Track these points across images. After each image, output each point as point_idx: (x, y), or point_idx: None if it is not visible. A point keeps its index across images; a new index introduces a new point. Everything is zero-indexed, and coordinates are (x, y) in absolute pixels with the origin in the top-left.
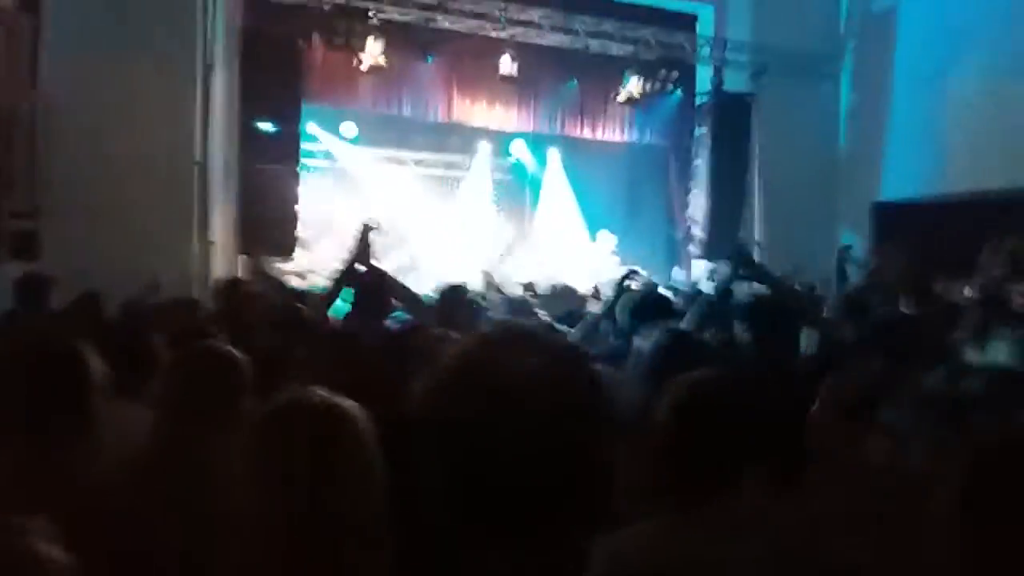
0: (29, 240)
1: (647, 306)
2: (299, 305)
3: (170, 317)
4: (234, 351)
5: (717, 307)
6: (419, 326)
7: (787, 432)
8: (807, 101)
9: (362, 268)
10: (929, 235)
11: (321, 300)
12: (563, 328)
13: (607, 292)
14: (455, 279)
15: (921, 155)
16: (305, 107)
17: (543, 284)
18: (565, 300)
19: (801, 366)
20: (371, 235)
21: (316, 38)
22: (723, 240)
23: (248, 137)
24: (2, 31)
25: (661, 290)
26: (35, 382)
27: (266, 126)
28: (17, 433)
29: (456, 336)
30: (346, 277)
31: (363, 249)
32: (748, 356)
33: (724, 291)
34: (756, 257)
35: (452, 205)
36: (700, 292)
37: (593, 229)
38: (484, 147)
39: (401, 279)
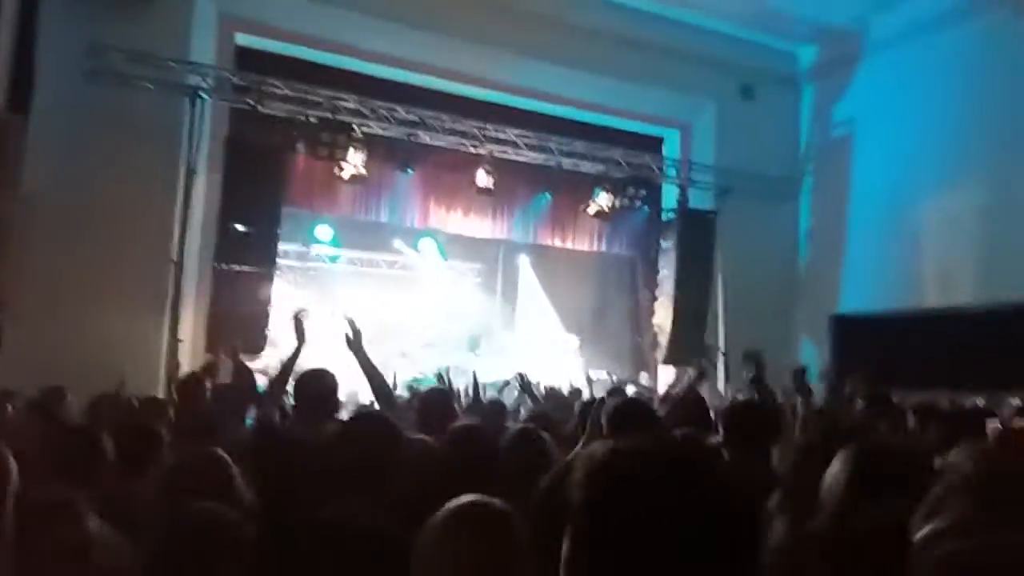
0: None
1: (628, 414)
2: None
3: (126, 415)
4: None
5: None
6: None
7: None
8: (768, 219)
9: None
10: (884, 346)
11: (273, 397)
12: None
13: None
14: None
15: (877, 271)
16: (284, 211)
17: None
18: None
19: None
20: (303, 321)
21: (300, 148)
22: (687, 347)
23: (225, 238)
24: None
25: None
26: None
27: (244, 229)
28: None
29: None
30: (287, 370)
31: (301, 339)
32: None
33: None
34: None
35: (421, 303)
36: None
37: (561, 331)
38: (455, 251)
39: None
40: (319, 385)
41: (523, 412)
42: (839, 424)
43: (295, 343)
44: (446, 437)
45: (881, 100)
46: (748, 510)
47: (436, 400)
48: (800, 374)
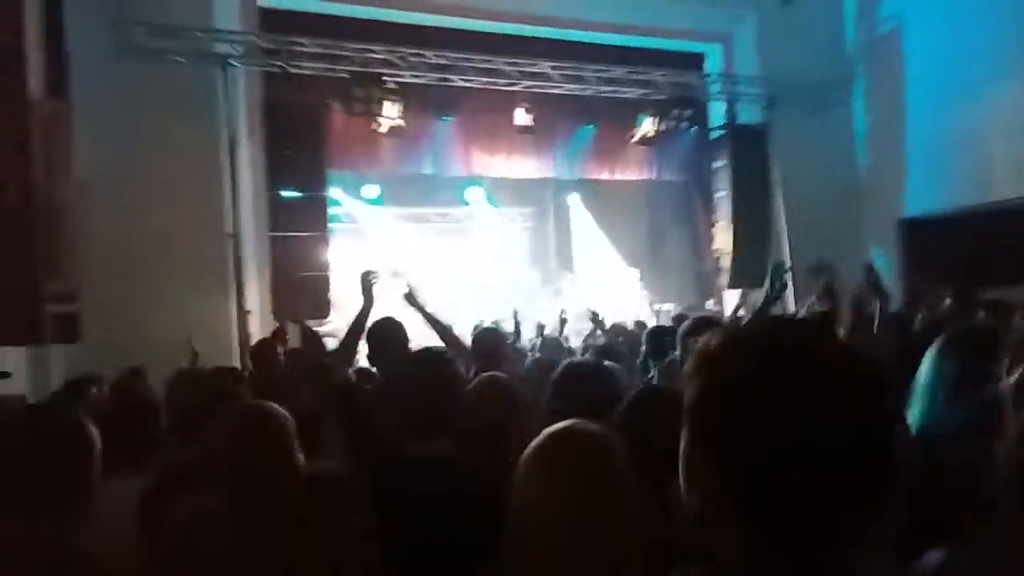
0: (70, 323)
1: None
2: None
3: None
4: (277, 408)
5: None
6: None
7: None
8: (822, 126)
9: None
10: (956, 246)
11: (345, 357)
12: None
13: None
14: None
15: (942, 169)
16: (329, 173)
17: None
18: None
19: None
20: (372, 283)
21: (335, 105)
22: (751, 269)
23: (277, 206)
24: (39, 121)
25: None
26: (37, 454)
27: (293, 194)
28: (16, 505)
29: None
30: (358, 330)
31: (370, 300)
32: None
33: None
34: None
35: (473, 253)
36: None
37: (622, 266)
38: (505, 196)
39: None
40: (389, 328)
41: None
42: None
43: (363, 303)
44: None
45: None
46: (878, 391)
47: (489, 339)
48: (870, 270)
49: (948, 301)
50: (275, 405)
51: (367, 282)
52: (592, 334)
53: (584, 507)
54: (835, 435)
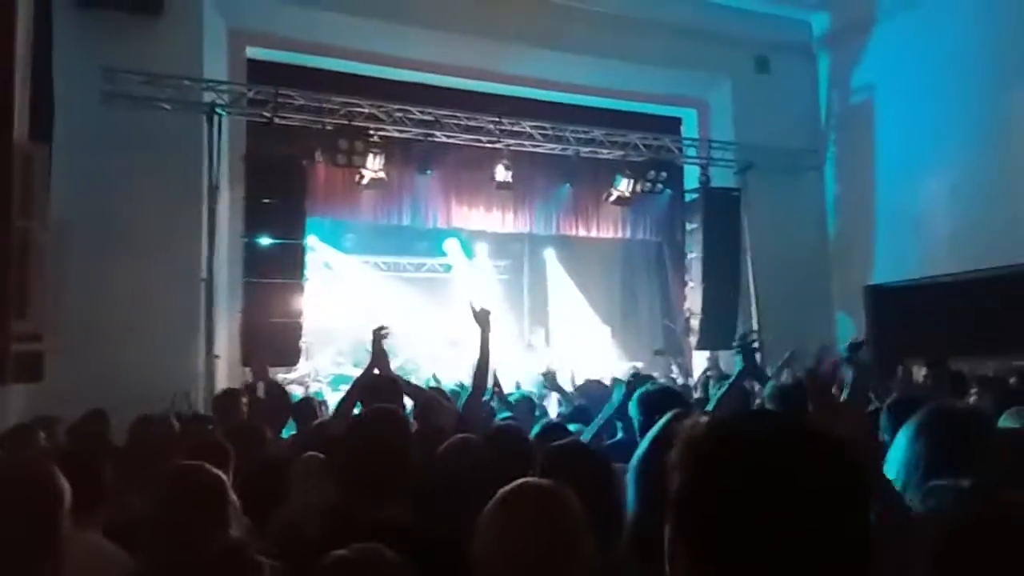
0: (34, 362)
1: (658, 400)
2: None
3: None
4: (218, 473)
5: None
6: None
7: None
8: (793, 192)
9: (375, 373)
10: (922, 315)
11: (344, 408)
12: (577, 427)
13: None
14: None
15: (910, 238)
16: (308, 221)
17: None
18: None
19: None
20: (383, 341)
21: (318, 156)
22: (720, 330)
23: (253, 252)
24: (19, 162)
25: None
26: (7, 505)
27: (271, 241)
28: None
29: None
30: (363, 384)
31: (378, 355)
32: None
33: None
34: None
35: (448, 304)
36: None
37: (593, 323)
38: (482, 249)
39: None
40: (382, 387)
41: (554, 407)
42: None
43: (369, 360)
44: (483, 436)
45: (900, 63)
46: (860, 475)
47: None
48: (854, 347)
49: (923, 372)
50: (209, 468)
51: (378, 337)
52: (546, 395)
53: (541, 560)
54: (819, 535)
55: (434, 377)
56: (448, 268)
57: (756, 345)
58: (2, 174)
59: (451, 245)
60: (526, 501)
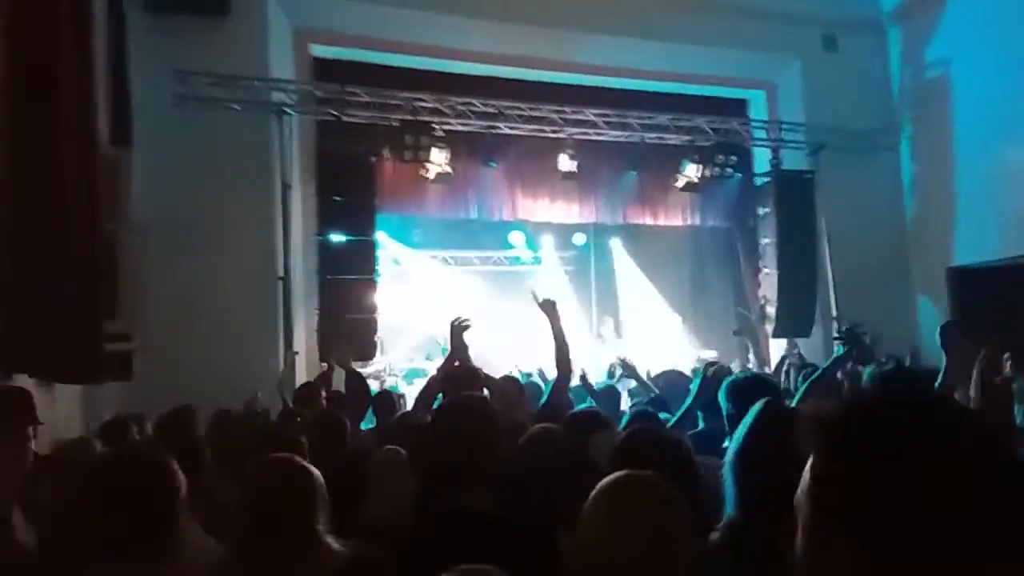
0: (124, 361)
1: (750, 389)
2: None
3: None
4: (307, 466)
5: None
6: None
7: None
8: (869, 173)
9: (455, 364)
10: (1006, 297)
11: (425, 398)
12: (664, 415)
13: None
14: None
15: (991, 218)
16: (377, 217)
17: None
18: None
19: None
20: (462, 332)
21: (385, 152)
22: (798, 317)
23: (326, 250)
24: (104, 167)
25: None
26: (126, 497)
27: (343, 238)
28: (105, 550)
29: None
30: (444, 374)
31: (458, 347)
32: None
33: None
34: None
35: (515, 297)
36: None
37: (663, 313)
38: (548, 241)
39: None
40: (464, 376)
41: (627, 397)
42: None
43: (450, 351)
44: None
45: (975, 36)
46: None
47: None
48: (944, 329)
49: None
50: (299, 460)
51: (457, 329)
52: (629, 381)
53: (650, 553)
54: (988, 506)
55: (517, 368)
56: (516, 260)
57: (866, 335)
58: (89, 178)
59: (516, 238)
60: (635, 493)
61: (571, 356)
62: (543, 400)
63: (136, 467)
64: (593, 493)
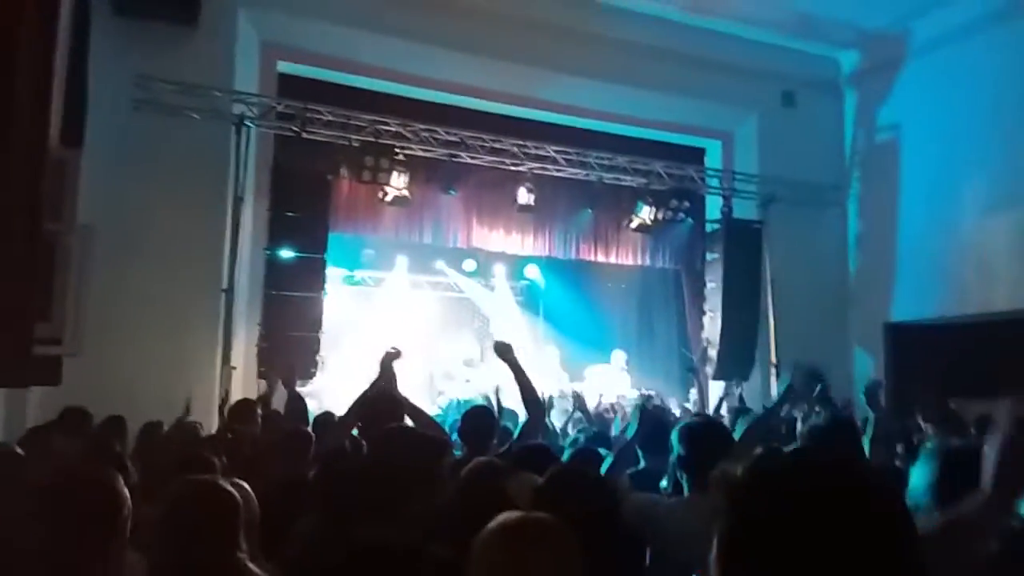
0: (53, 365)
1: (702, 434)
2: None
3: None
4: (231, 489)
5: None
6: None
7: None
8: (816, 227)
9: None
10: (940, 354)
11: (343, 426)
12: (603, 451)
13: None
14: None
15: (930, 278)
16: (329, 236)
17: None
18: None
19: None
20: (393, 363)
21: (344, 172)
22: (738, 360)
23: (274, 264)
24: (51, 166)
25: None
26: (70, 510)
27: (293, 254)
28: (41, 561)
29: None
30: (364, 403)
31: (387, 377)
32: None
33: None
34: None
35: (466, 322)
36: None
37: (607, 348)
38: (500, 270)
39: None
40: (386, 402)
41: (571, 429)
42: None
43: (376, 378)
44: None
45: (927, 104)
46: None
47: (482, 421)
48: (873, 388)
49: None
50: (223, 484)
51: (387, 360)
52: (571, 416)
53: None
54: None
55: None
56: (473, 274)
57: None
58: (35, 177)
59: (469, 265)
60: (530, 536)
61: (535, 396)
62: (515, 437)
63: (84, 480)
64: (484, 532)
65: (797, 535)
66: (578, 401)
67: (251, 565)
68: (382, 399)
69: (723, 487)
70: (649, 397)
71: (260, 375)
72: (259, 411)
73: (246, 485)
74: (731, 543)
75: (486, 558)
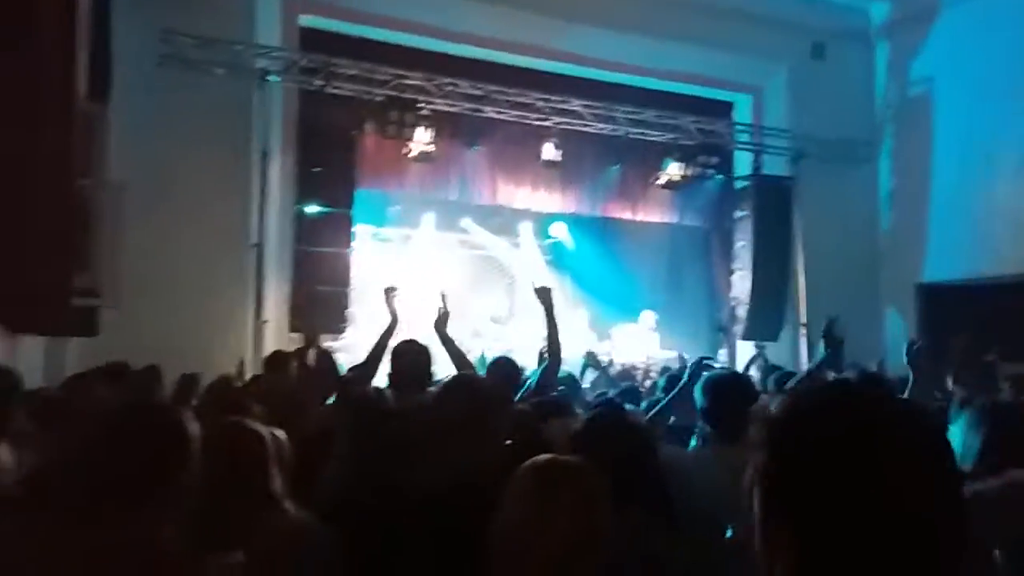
0: (90, 317)
1: (727, 387)
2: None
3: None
4: (260, 430)
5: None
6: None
7: None
8: (846, 184)
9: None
10: (973, 315)
11: (361, 373)
12: (630, 407)
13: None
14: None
15: (963, 237)
16: (356, 191)
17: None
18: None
19: None
20: (394, 299)
21: (368, 127)
22: (767, 320)
23: (302, 220)
24: (81, 122)
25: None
26: (139, 449)
27: (320, 210)
28: (109, 499)
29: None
30: (381, 349)
31: (392, 314)
32: None
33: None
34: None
35: (493, 279)
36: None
37: (636, 308)
38: (526, 228)
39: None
40: (414, 351)
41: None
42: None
43: (387, 320)
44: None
45: (960, 56)
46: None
47: (505, 370)
48: (917, 349)
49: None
50: (255, 426)
51: (389, 297)
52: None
53: (572, 541)
54: (919, 500)
55: (483, 356)
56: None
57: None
58: (65, 133)
59: (498, 223)
60: (559, 477)
61: (560, 344)
62: (533, 382)
63: (153, 415)
64: (517, 473)
65: (838, 469)
66: (590, 359)
67: (286, 503)
68: (412, 349)
69: (761, 424)
70: (706, 358)
71: (292, 329)
72: (295, 363)
73: (280, 433)
74: (773, 478)
75: (516, 498)
